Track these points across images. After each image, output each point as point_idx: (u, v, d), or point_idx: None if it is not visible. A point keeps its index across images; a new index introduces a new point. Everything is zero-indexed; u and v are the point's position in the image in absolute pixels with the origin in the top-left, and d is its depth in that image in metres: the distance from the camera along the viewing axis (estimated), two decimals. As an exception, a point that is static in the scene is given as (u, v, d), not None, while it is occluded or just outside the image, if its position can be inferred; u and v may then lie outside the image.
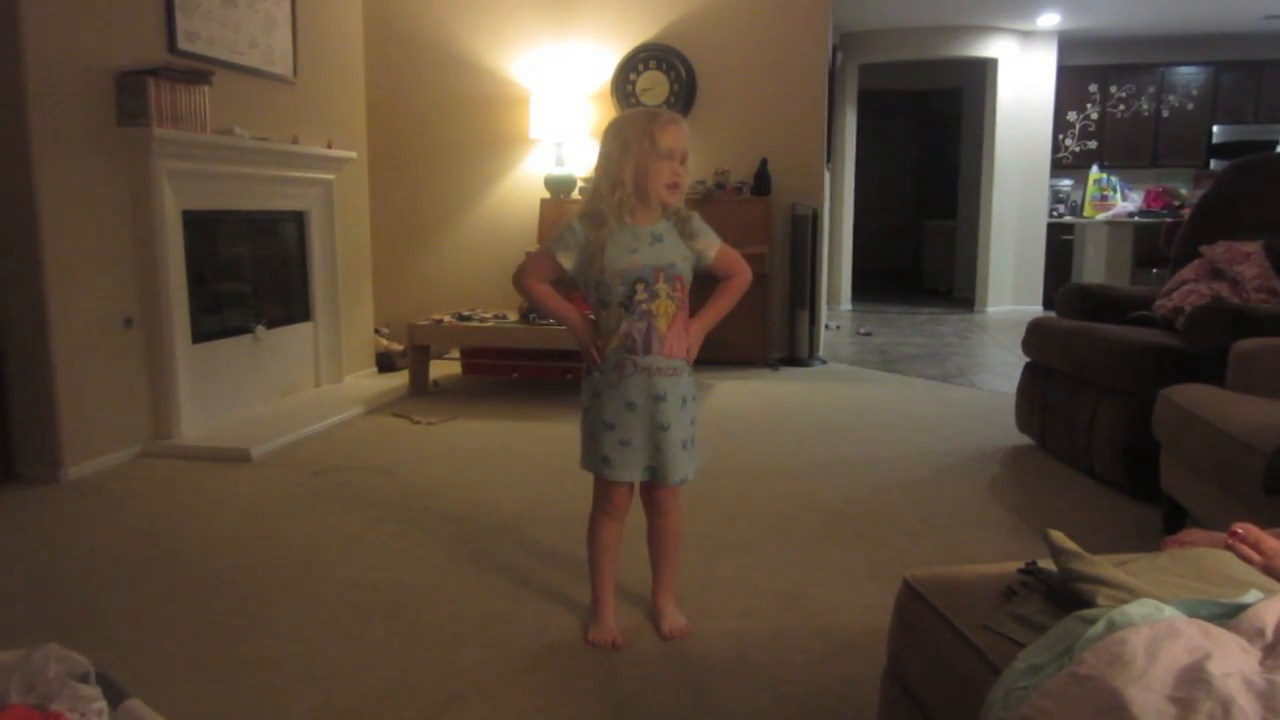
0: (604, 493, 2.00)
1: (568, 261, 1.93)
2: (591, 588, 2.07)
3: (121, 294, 3.45)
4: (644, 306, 1.88)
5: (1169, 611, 0.98)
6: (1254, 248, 3.24)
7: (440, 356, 5.02)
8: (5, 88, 3.04)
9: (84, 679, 1.09)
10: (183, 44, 3.66)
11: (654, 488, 2.00)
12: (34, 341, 3.17)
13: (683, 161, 1.89)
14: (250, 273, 4.21)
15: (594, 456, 1.97)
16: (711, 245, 1.98)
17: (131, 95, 3.36)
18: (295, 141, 4.26)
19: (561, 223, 1.97)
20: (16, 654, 1.10)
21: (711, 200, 5.41)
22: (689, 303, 1.97)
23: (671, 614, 2.06)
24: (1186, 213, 4.78)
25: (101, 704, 1.05)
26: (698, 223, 1.97)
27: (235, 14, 3.97)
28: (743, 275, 2.03)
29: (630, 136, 1.86)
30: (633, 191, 1.87)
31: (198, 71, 3.64)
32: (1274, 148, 7.80)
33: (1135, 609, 0.98)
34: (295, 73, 4.38)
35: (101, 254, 3.36)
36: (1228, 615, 0.99)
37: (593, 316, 1.98)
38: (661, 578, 2.09)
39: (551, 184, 5.62)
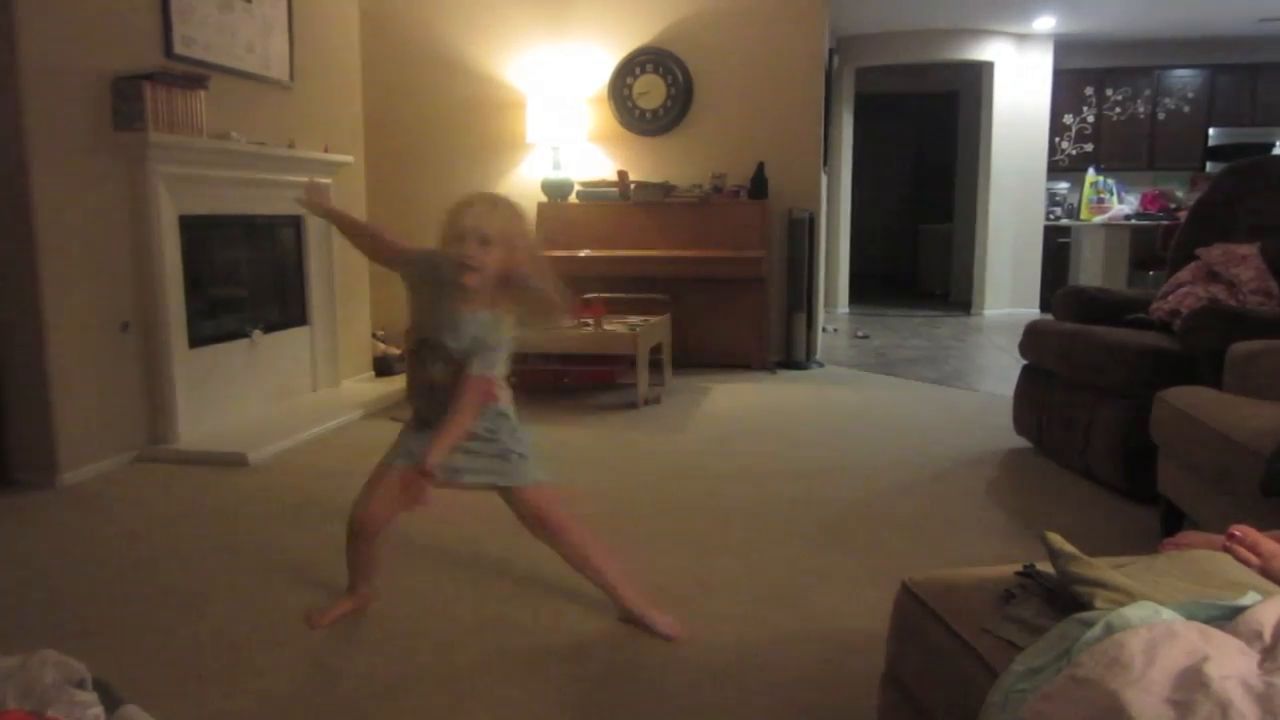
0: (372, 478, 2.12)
1: (406, 272, 2.08)
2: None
3: (118, 299, 3.44)
4: (426, 364, 1.99)
5: (1167, 614, 0.98)
6: (1250, 250, 3.25)
7: (438, 360, 5.02)
8: (1, 93, 3.03)
9: (80, 685, 1.09)
10: (179, 49, 3.66)
11: (514, 501, 2.07)
12: (30, 346, 3.16)
13: (488, 243, 1.87)
14: (247, 277, 4.21)
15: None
16: (474, 366, 1.92)
17: (128, 100, 3.35)
18: (292, 146, 4.25)
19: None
20: (13, 660, 1.10)
21: (708, 204, 5.42)
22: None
23: (656, 614, 2.06)
24: (1183, 215, 4.79)
25: (98, 709, 1.05)
26: (491, 342, 1.93)
27: (232, 18, 3.97)
28: (463, 400, 1.93)
29: (445, 220, 1.94)
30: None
31: (194, 76, 3.64)
32: (1270, 150, 7.82)
33: (1133, 611, 0.98)
34: (292, 77, 4.38)
35: (98, 258, 3.35)
36: (1225, 618, 0.99)
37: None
38: (606, 588, 2.10)
39: (548, 188, 5.62)
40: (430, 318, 1.98)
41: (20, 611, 2.24)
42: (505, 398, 2.05)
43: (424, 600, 2.24)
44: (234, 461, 3.46)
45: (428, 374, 1.99)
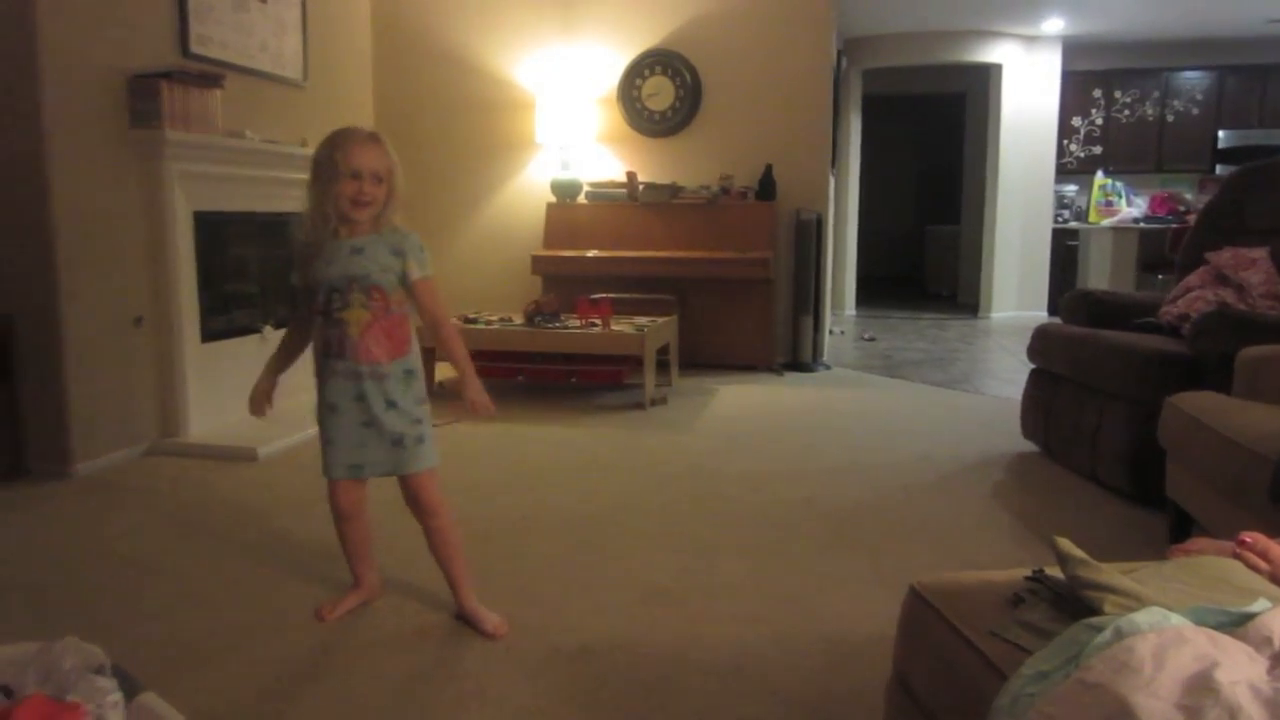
0: (328, 491, 2.12)
1: (298, 279, 2.09)
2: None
3: (132, 293, 3.47)
4: (337, 315, 2.00)
5: (1176, 619, 0.98)
6: (1260, 254, 3.24)
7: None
8: (20, 90, 3.06)
9: (100, 671, 1.10)
10: (195, 47, 3.68)
11: (403, 484, 2.09)
12: (46, 339, 3.19)
13: (381, 180, 1.97)
14: (259, 273, 4.23)
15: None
16: (414, 270, 2.05)
17: (144, 98, 3.38)
18: (304, 144, 4.26)
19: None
20: (35, 646, 1.12)
21: (716, 205, 5.42)
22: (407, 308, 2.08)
23: (485, 614, 2.10)
24: (1192, 218, 4.78)
25: (117, 696, 1.07)
26: (412, 244, 2.05)
27: (247, 18, 3.99)
28: (432, 317, 2.08)
29: (321, 160, 1.97)
30: (334, 215, 1.97)
31: (209, 75, 3.67)
32: (1279, 152, 7.80)
33: (1143, 616, 0.98)
34: (305, 76, 4.40)
35: (113, 254, 3.38)
36: (1235, 623, 0.99)
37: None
38: (452, 578, 2.13)
39: (557, 188, 5.64)
40: (328, 269, 2.00)
41: (37, 599, 2.26)
42: (415, 349, 2.09)
43: (432, 598, 2.26)
44: (244, 456, 3.48)
45: (342, 322, 2.00)
